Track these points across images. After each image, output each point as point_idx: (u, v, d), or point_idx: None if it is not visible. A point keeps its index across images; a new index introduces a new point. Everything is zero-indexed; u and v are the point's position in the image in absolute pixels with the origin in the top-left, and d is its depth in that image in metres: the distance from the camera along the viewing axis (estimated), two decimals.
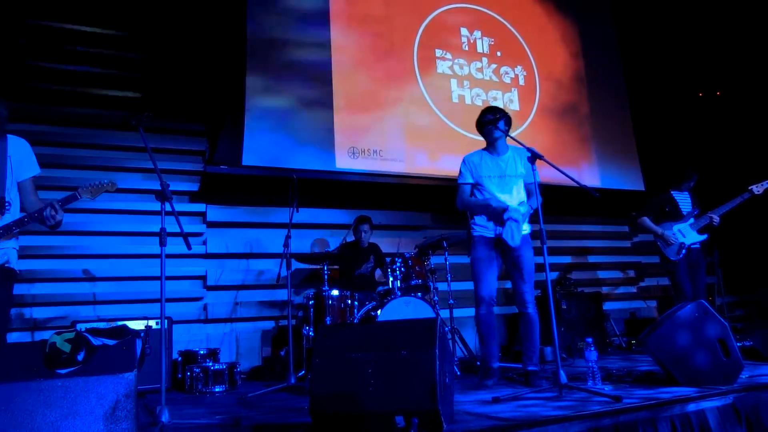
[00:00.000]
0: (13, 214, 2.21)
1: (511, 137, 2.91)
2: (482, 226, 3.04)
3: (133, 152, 4.37)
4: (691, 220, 3.96)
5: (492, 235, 3.02)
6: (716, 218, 3.90)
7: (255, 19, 4.51)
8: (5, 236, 2.14)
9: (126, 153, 4.36)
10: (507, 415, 2.09)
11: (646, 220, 4.03)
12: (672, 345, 2.56)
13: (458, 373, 3.50)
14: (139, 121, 2.38)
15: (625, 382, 2.79)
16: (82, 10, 4.41)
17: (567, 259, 5.80)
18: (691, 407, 2.14)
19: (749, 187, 3.88)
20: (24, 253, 2.56)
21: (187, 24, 4.70)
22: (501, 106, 5.35)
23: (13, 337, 3.67)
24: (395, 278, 3.82)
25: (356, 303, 3.82)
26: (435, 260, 4.20)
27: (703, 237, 3.97)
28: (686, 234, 3.93)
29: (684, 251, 3.88)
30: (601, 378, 2.64)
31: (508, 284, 3.28)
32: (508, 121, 3.04)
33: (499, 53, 5.56)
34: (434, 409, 1.80)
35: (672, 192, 4.08)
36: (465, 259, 3.26)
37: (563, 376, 2.43)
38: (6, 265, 2.19)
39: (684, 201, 4.06)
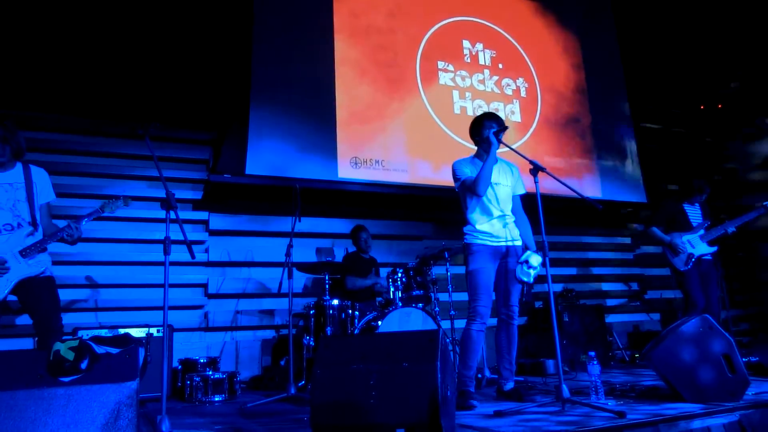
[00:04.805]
0: (40, 233, 2.57)
1: (513, 150, 2.88)
2: (484, 233, 2.89)
3: (136, 160, 4.39)
4: (701, 232, 3.95)
5: (494, 245, 2.89)
6: (731, 230, 3.88)
7: (260, 30, 4.56)
8: (37, 251, 2.51)
9: (130, 161, 4.39)
10: (509, 429, 2.07)
11: (656, 230, 4.01)
12: (676, 360, 2.53)
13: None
14: (146, 131, 2.44)
15: (629, 397, 2.76)
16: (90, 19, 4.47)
17: (569, 271, 5.78)
18: (697, 424, 2.12)
19: (765, 203, 3.87)
20: None
21: (193, 34, 4.75)
22: (503, 117, 5.37)
23: (16, 344, 3.66)
24: (396, 288, 3.81)
25: (357, 313, 3.81)
26: (436, 271, 4.19)
27: (713, 249, 3.95)
28: (695, 245, 3.92)
29: (692, 262, 3.86)
30: (604, 392, 2.61)
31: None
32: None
33: (500, 65, 5.59)
34: (436, 422, 1.78)
35: (684, 204, 4.06)
36: None
37: (566, 391, 2.41)
38: (44, 273, 2.55)
39: (694, 213, 4.05)
